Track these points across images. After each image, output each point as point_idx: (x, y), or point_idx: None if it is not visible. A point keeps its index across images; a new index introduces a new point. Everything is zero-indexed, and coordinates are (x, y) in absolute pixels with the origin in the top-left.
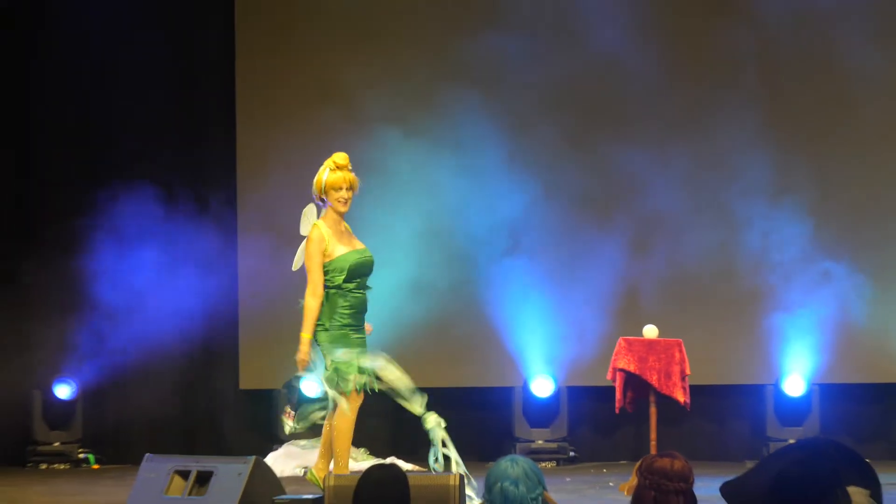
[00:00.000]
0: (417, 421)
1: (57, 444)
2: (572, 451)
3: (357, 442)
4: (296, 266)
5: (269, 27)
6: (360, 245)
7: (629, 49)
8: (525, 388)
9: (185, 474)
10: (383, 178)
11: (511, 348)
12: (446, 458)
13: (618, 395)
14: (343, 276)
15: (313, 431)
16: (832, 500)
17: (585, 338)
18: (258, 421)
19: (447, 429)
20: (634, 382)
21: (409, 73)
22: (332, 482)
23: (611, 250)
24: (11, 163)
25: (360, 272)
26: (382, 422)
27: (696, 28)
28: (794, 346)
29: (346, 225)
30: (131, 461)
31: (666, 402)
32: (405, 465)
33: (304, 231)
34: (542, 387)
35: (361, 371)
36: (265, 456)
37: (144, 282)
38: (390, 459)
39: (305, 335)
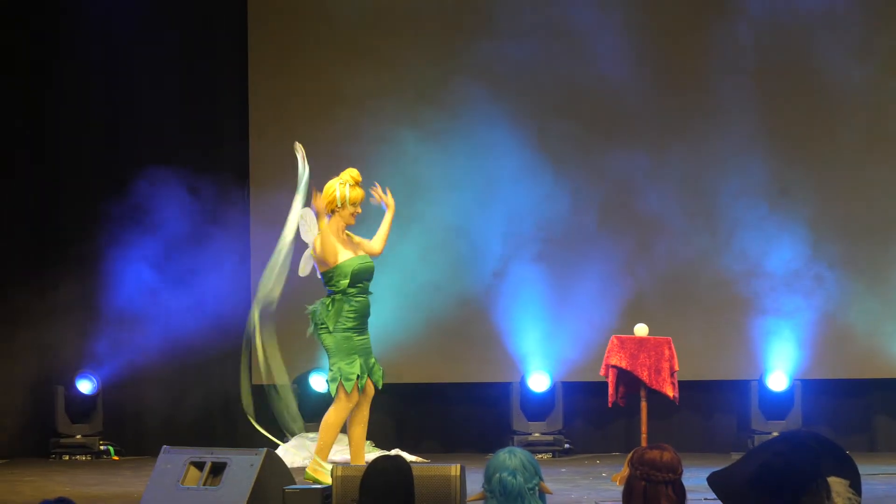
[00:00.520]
0: (420, 416)
1: (79, 436)
2: (567, 443)
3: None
4: (301, 272)
5: (281, 37)
6: (361, 251)
7: (628, 55)
8: (522, 383)
9: (200, 465)
10: (388, 182)
11: (509, 346)
12: None
13: (610, 390)
14: (347, 282)
15: None
16: (814, 490)
17: (580, 336)
18: (270, 414)
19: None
20: (626, 378)
21: (417, 79)
22: (339, 472)
23: (605, 253)
24: (30, 164)
25: (362, 277)
26: (387, 416)
27: (695, 32)
28: (778, 344)
29: (348, 232)
30: (149, 453)
31: (656, 396)
32: (409, 457)
33: (306, 236)
34: (539, 382)
35: (363, 373)
36: (276, 448)
37: (161, 282)
38: (395, 451)
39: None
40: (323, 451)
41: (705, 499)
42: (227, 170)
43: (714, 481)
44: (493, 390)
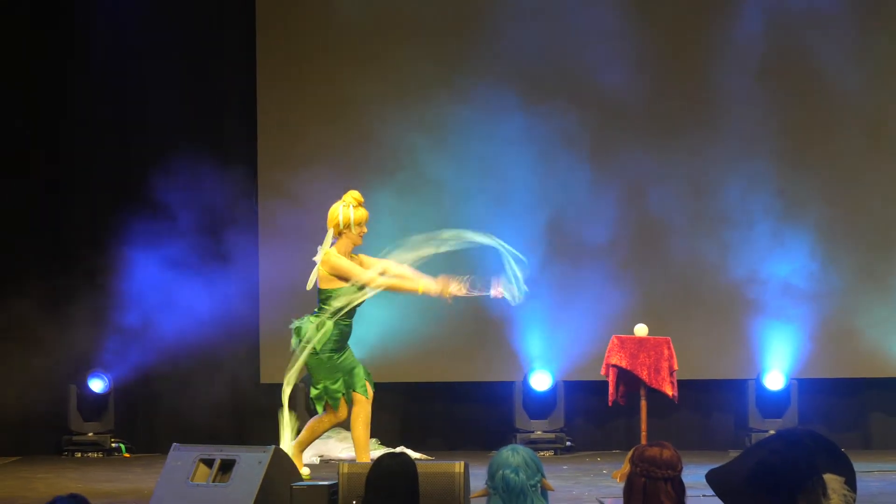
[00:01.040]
0: (424, 414)
1: (91, 434)
2: (569, 440)
3: (371, 433)
4: (310, 286)
5: (289, 42)
6: (371, 270)
7: (633, 59)
8: (525, 382)
9: (209, 462)
10: (394, 182)
11: (512, 345)
12: None
13: (611, 389)
14: (343, 305)
15: None
16: (810, 487)
17: (581, 336)
18: (278, 413)
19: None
20: (626, 377)
21: (423, 83)
22: (345, 470)
23: (606, 254)
24: (44, 166)
25: (355, 307)
26: (392, 415)
27: (698, 34)
28: (774, 344)
29: (352, 254)
30: (160, 450)
31: (655, 395)
32: (414, 454)
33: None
34: (541, 381)
35: (347, 390)
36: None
37: (172, 282)
38: (400, 449)
39: (420, 288)
40: (301, 445)
41: (704, 495)
42: (236, 173)
43: (712, 478)
44: (496, 389)
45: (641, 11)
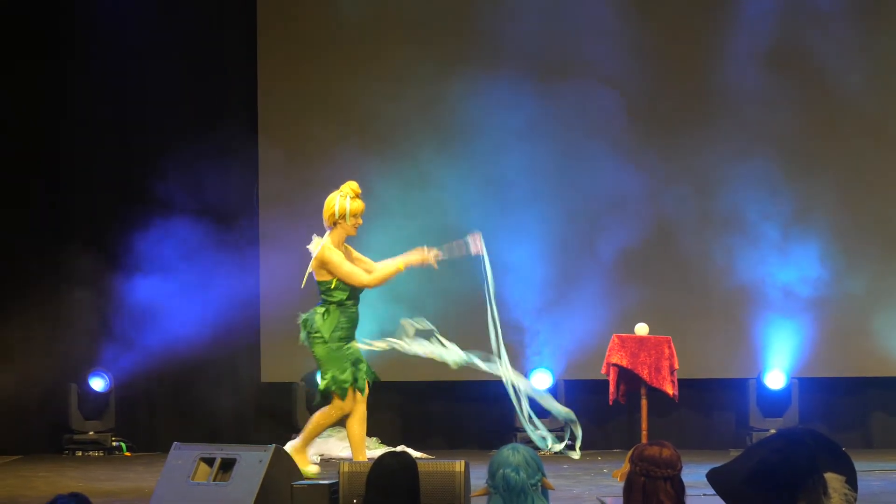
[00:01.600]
0: (425, 413)
1: (91, 433)
2: (569, 440)
3: (370, 432)
4: (304, 283)
5: (290, 43)
6: (359, 265)
7: (636, 59)
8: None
9: (210, 461)
10: (397, 182)
11: (512, 344)
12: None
13: (611, 388)
14: (346, 294)
15: None
16: (810, 486)
17: (581, 335)
18: (278, 411)
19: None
20: (627, 376)
21: (425, 83)
22: (346, 469)
23: (606, 253)
24: (45, 166)
25: (358, 291)
26: (393, 414)
27: (700, 34)
28: (775, 343)
29: (346, 245)
30: (160, 449)
31: (656, 394)
32: (415, 453)
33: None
34: (542, 380)
35: (354, 380)
36: (284, 444)
37: (172, 281)
38: (401, 448)
39: (400, 265)
40: (305, 441)
41: (704, 494)
42: (237, 172)
43: (713, 478)
44: (496, 388)
45: (642, 11)
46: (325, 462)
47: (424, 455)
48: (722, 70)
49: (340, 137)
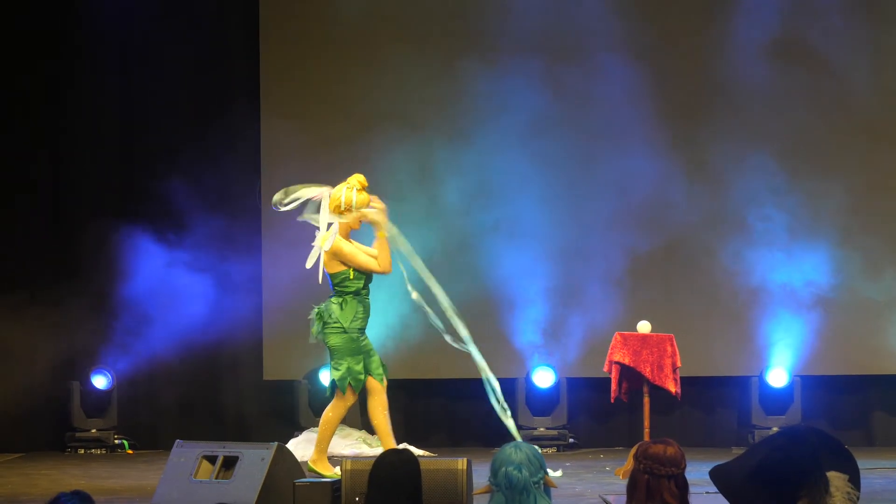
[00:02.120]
0: (427, 410)
1: (94, 430)
2: (572, 437)
3: (373, 429)
4: (308, 263)
5: (292, 43)
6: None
7: (637, 57)
8: (528, 379)
9: (212, 459)
10: (398, 180)
11: (515, 342)
12: None
13: (614, 385)
14: (361, 283)
15: None
16: (813, 485)
17: (584, 332)
18: (281, 409)
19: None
20: (629, 374)
21: (427, 82)
22: (348, 466)
23: (608, 251)
24: (47, 163)
25: (370, 278)
26: (396, 411)
27: (702, 34)
28: (778, 340)
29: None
30: (163, 447)
31: (658, 392)
32: (417, 451)
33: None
34: (544, 378)
35: (366, 374)
36: (287, 442)
37: (174, 279)
38: (403, 445)
39: (381, 234)
40: (321, 445)
41: (707, 492)
42: (239, 170)
43: (716, 475)
44: (499, 386)
45: (644, 8)
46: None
47: (427, 453)
48: (728, 67)
49: (344, 134)
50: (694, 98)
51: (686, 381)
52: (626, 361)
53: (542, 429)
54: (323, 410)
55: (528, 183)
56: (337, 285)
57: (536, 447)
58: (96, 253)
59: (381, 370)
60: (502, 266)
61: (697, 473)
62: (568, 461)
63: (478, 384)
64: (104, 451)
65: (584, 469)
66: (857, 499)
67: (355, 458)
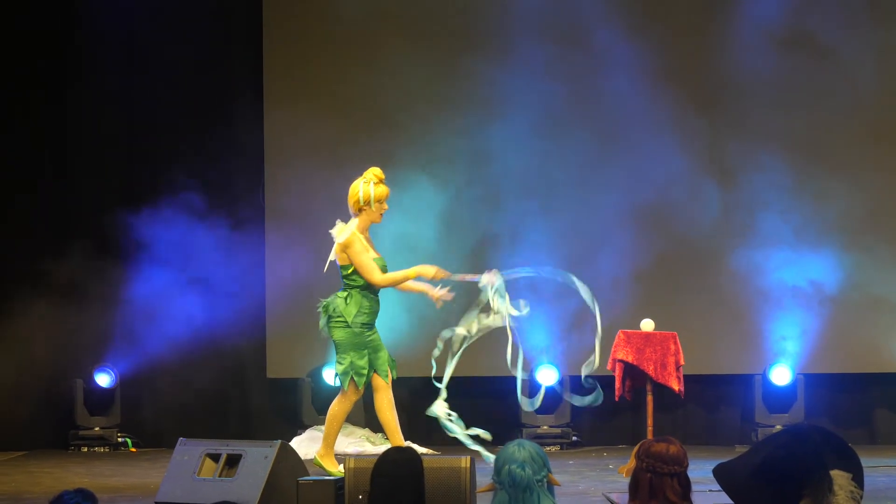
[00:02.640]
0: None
1: (97, 428)
2: (575, 435)
3: (377, 428)
4: (326, 268)
5: (295, 42)
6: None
7: (639, 54)
8: (531, 377)
9: (215, 457)
10: (403, 180)
11: (518, 340)
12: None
13: (617, 383)
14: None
15: None
16: (816, 483)
17: (587, 331)
18: (284, 407)
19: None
20: (633, 372)
21: (430, 80)
22: (351, 465)
23: (611, 249)
24: (49, 162)
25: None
26: (399, 409)
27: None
28: (781, 338)
29: (369, 234)
30: (166, 445)
31: (662, 390)
32: (420, 449)
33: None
34: (547, 376)
35: (370, 369)
36: (290, 440)
37: (177, 277)
38: (406, 443)
39: (416, 271)
40: (328, 440)
41: (710, 490)
42: (243, 167)
43: (719, 473)
44: (502, 384)
45: (651, 5)
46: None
47: (430, 451)
48: (734, 64)
49: (347, 133)
50: (701, 97)
51: (689, 379)
52: (630, 359)
53: (545, 427)
54: (326, 409)
55: (532, 180)
56: (345, 278)
57: (539, 445)
58: (99, 250)
59: (386, 367)
60: (505, 264)
61: (701, 471)
62: (571, 459)
63: (480, 382)
64: (107, 449)
65: (587, 467)
66: (861, 497)
67: (358, 456)
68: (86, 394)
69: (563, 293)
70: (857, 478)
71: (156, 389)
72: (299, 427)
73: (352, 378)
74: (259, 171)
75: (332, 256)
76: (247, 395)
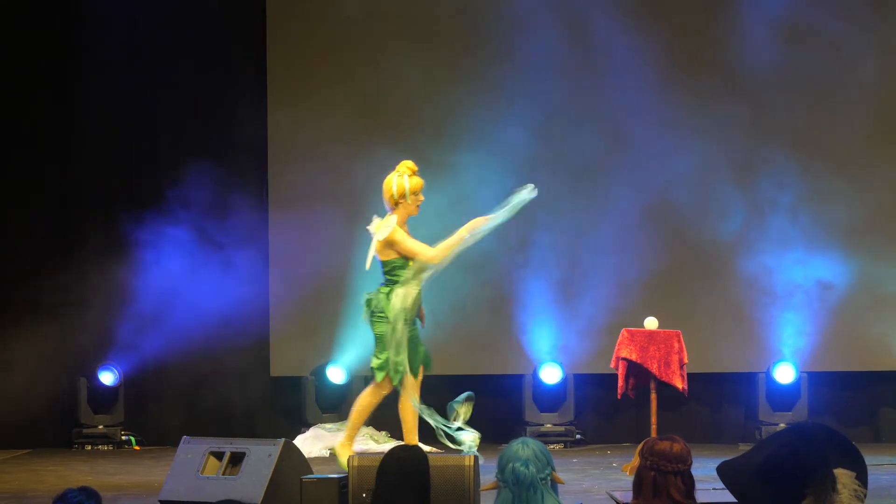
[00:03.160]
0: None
1: (101, 426)
2: (579, 434)
3: (381, 426)
4: (368, 265)
5: (298, 39)
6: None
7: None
8: (535, 375)
9: (219, 455)
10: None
11: (522, 339)
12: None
13: (620, 382)
14: (411, 273)
15: (339, 416)
16: (820, 481)
17: (590, 329)
18: (288, 406)
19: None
20: (636, 370)
21: (432, 80)
22: (355, 462)
23: (615, 248)
24: (53, 162)
25: (422, 270)
26: None
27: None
28: (785, 336)
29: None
30: (170, 443)
31: (665, 388)
32: (425, 447)
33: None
34: (551, 374)
35: (407, 366)
36: (294, 438)
37: (181, 275)
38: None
39: (463, 233)
40: (352, 431)
41: (713, 488)
42: (246, 166)
43: (723, 471)
44: (506, 382)
45: (655, 5)
46: (334, 456)
47: (434, 449)
48: (738, 63)
49: (350, 132)
50: (699, 94)
51: (693, 378)
52: (633, 358)
53: (549, 425)
54: (329, 407)
55: (535, 180)
56: (387, 273)
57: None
58: (103, 249)
59: (419, 366)
60: (509, 263)
61: (704, 469)
62: (575, 457)
63: (484, 381)
64: (111, 448)
65: (590, 465)
66: (864, 496)
67: (362, 454)
68: (89, 392)
69: (565, 293)
70: (861, 476)
71: (159, 388)
72: (303, 425)
73: (387, 374)
74: (262, 170)
75: (372, 252)
76: (250, 394)
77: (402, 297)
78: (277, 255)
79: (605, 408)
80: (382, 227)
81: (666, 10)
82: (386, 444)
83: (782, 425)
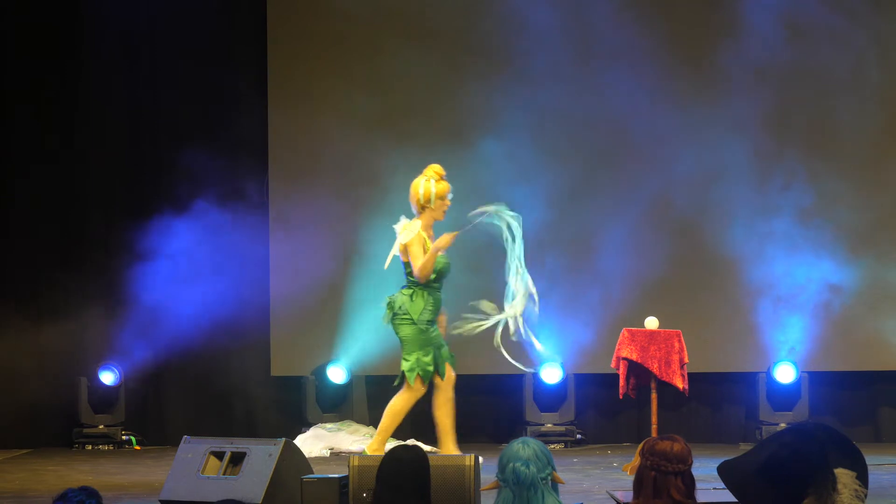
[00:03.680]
0: None
1: (101, 426)
2: (579, 433)
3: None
4: (387, 264)
5: (300, 38)
6: None
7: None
8: (535, 375)
9: (219, 455)
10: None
11: (522, 339)
12: None
13: (621, 381)
14: (433, 276)
15: (340, 415)
16: (820, 481)
17: (591, 329)
18: (288, 405)
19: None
20: (637, 370)
21: (435, 80)
22: (356, 463)
23: (616, 247)
24: (53, 160)
25: (445, 273)
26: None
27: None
28: (785, 336)
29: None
30: (170, 443)
31: (666, 388)
32: (425, 447)
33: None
34: (551, 374)
35: (434, 366)
36: (294, 438)
37: (182, 275)
38: (411, 441)
39: (435, 249)
40: (384, 434)
41: (714, 488)
42: (247, 166)
43: (724, 471)
44: (506, 382)
45: (654, 7)
46: (336, 456)
47: (434, 449)
48: (737, 58)
49: (351, 132)
50: (700, 92)
51: (694, 377)
52: (634, 357)
53: (549, 425)
54: (330, 407)
55: (536, 178)
56: (409, 275)
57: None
58: (104, 248)
59: (445, 365)
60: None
61: (705, 469)
62: (575, 457)
63: (484, 380)
64: (112, 447)
65: (591, 465)
66: (865, 495)
67: (363, 455)
68: (90, 392)
69: (566, 293)
70: (862, 476)
71: (160, 387)
72: (303, 425)
73: (418, 375)
74: (263, 169)
75: (394, 251)
76: (251, 393)
77: (423, 298)
78: (278, 254)
79: (606, 407)
80: (406, 231)
81: (669, 11)
82: (387, 444)
83: (783, 425)
